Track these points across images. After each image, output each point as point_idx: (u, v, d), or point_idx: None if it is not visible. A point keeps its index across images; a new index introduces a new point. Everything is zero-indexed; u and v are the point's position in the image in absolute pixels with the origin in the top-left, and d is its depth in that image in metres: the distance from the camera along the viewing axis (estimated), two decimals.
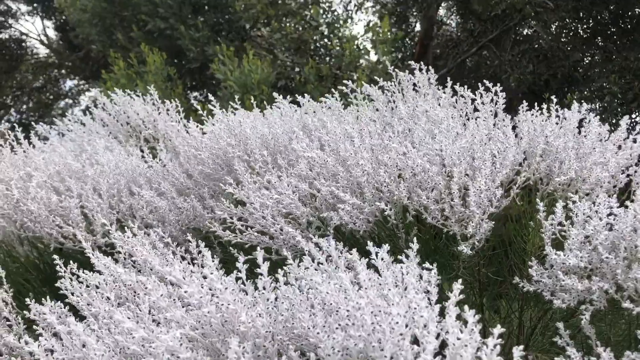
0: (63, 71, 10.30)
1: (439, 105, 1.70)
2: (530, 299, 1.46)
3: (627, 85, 5.08)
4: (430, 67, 1.81)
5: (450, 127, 1.49)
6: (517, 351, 0.74)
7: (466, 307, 0.73)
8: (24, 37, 10.21)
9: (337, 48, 5.37)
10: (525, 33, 6.08)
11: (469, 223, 1.26)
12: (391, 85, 1.78)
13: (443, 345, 0.78)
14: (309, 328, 0.79)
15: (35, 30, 14.93)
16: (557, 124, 1.54)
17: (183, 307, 0.88)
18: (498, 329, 0.75)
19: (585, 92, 5.32)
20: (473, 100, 1.67)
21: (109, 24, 5.94)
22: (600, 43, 5.50)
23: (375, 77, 1.79)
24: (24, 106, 10.41)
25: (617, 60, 5.17)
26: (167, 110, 2.40)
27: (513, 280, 1.20)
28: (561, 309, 1.24)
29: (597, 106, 5.22)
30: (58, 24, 9.66)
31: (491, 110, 1.63)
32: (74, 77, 10.29)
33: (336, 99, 1.85)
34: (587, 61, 5.64)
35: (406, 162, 1.34)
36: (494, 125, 1.58)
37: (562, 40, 5.58)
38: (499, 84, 1.68)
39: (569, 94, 5.23)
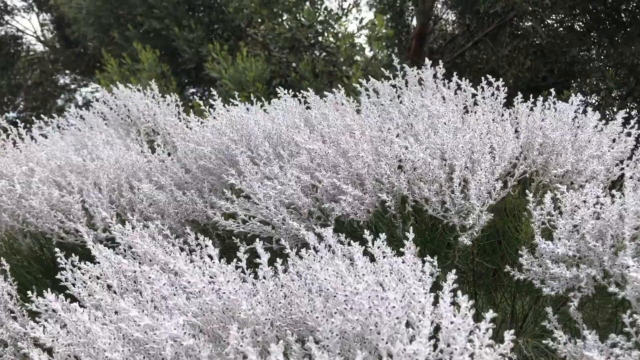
0: (60, 66, 10.25)
1: (443, 98, 1.72)
2: (522, 289, 1.49)
3: (623, 80, 5.11)
4: (430, 61, 1.81)
5: (451, 122, 1.51)
6: (508, 335, 0.77)
7: (459, 292, 0.75)
8: (20, 33, 10.17)
9: (332, 45, 5.38)
10: (521, 28, 6.10)
11: (469, 215, 1.29)
12: (397, 80, 1.81)
13: (437, 330, 0.81)
14: (307, 312, 0.82)
15: (31, 27, 14.87)
16: (554, 116, 1.57)
17: (184, 295, 0.91)
18: (490, 314, 0.78)
19: (583, 88, 5.34)
20: (474, 95, 1.69)
21: (105, 22, 5.93)
22: (595, 39, 5.53)
23: (370, 73, 1.81)
24: (21, 105, 10.38)
25: (613, 55, 5.20)
26: (168, 104, 2.43)
27: (504, 268, 1.23)
28: (552, 298, 1.28)
29: (594, 101, 5.25)
30: (54, 20, 9.64)
31: (491, 105, 1.66)
32: (70, 73, 10.26)
33: (334, 93, 1.88)
34: (582, 56, 5.67)
35: (407, 156, 1.36)
36: (493, 120, 1.60)
37: (559, 35, 5.61)
38: (500, 79, 1.70)
39: (565, 89, 5.26)
